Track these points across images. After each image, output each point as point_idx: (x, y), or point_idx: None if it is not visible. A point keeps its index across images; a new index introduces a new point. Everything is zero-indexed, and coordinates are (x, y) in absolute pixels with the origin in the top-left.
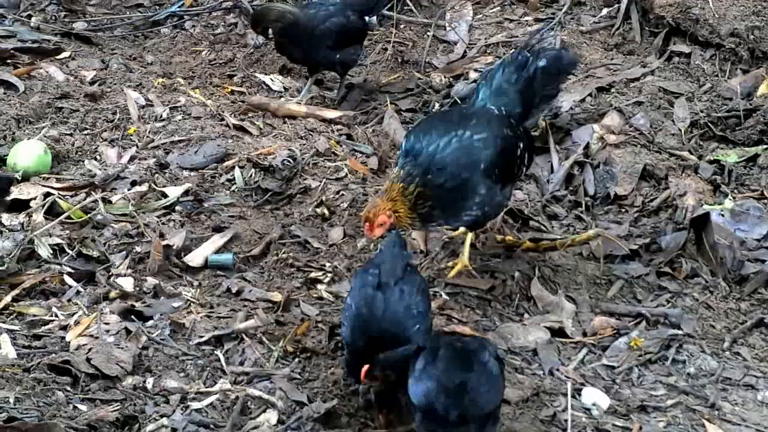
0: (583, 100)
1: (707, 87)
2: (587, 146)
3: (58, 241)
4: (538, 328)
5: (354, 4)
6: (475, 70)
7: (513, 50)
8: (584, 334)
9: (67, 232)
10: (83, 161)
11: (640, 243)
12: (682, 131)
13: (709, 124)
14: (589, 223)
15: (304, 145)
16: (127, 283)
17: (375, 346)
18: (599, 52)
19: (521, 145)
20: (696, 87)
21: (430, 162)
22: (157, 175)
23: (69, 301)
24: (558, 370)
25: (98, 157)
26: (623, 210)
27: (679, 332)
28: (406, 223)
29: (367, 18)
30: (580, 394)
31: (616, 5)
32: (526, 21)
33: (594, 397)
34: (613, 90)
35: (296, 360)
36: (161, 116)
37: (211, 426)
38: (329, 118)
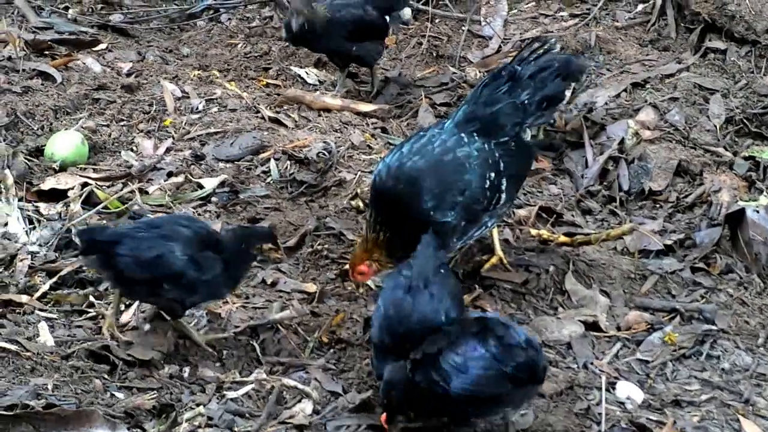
0: (618, 96)
1: (743, 83)
2: (622, 141)
3: None
4: (573, 322)
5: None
6: None
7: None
8: (618, 329)
9: (104, 221)
10: (120, 152)
11: (674, 238)
12: (718, 127)
13: (745, 120)
14: (624, 218)
15: (339, 137)
16: None
17: (401, 348)
18: (634, 47)
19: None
20: (731, 83)
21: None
22: (193, 166)
23: (106, 289)
24: (592, 363)
25: (135, 148)
26: (658, 205)
27: (714, 328)
28: (387, 267)
29: (388, 17)
30: (614, 388)
31: (652, 1)
32: (561, 16)
33: (628, 391)
34: (648, 86)
35: (331, 351)
36: (197, 108)
37: (247, 415)
38: (364, 111)
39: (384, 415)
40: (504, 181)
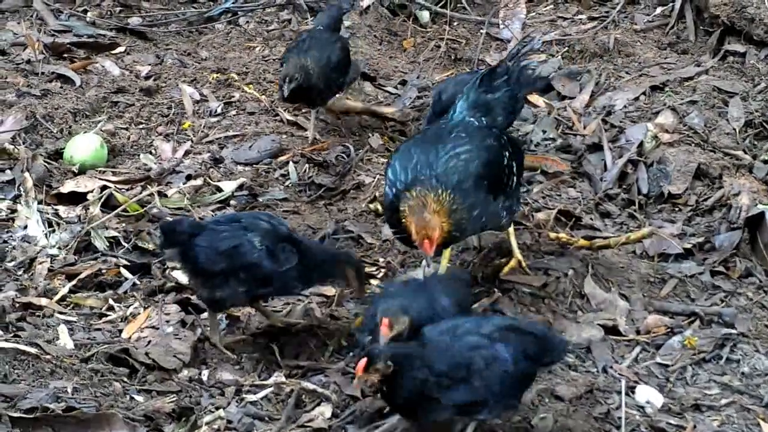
0: (636, 99)
1: (762, 86)
2: (641, 145)
3: (114, 233)
4: (592, 326)
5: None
6: None
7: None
8: (638, 332)
9: (123, 224)
10: (138, 155)
11: (693, 242)
12: (737, 130)
13: (764, 123)
14: (643, 222)
15: (358, 141)
16: (182, 276)
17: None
18: (653, 50)
19: (507, 154)
20: (750, 86)
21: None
22: (211, 169)
23: (125, 293)
24: (611, 367)
25: (153, 151)
26: (677, 209)
27: (733, 331)
28: (447, 235)
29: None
30: (633, 392)
31: (671, 4)
32: (580, 19)
33: (648, 395)
34: (666, 89)
35: (350, 354)
36: (216, 111)
37: (266, 418)
38: (384, 113)
39: (360, 365)
40: (514, 165)
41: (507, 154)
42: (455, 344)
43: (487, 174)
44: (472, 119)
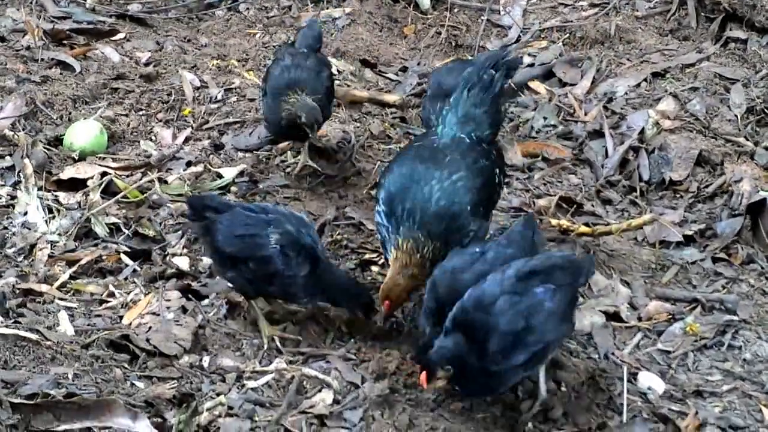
0: (638, 85)
1: (764, 73)
2: (642, 131)
3: (115, 220)
4: (593, 312)
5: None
6: (529, 55)
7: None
8: (639, 319)
9: (123, 211)
10: (138, 141)
11: (695, 229)
12: (738, 117)
13: (766, 110)
14: (644, 209)
15: (359, 127)
16: (183, 263)
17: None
18: (654, 37)
19: (497, 171)
20: (752, 73)
21: (425, 212)
22: (212, 156)
23: (126, 279)
24: (613, 354)
25: (153, 137)
26: (678, 195)
27: (735, 318)
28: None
29: None
30: (635, 379)
31: None
32: (581, 6)
33: (650, 381)
34: (668, 75)
35: (351, 341)
36: (216, 98)
37: (267, 405)
38: (387, 101)
39: (423, 376)
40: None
41: (497, 171)
42: (497, 316)
43: (483, 199)
44: (463, 135)
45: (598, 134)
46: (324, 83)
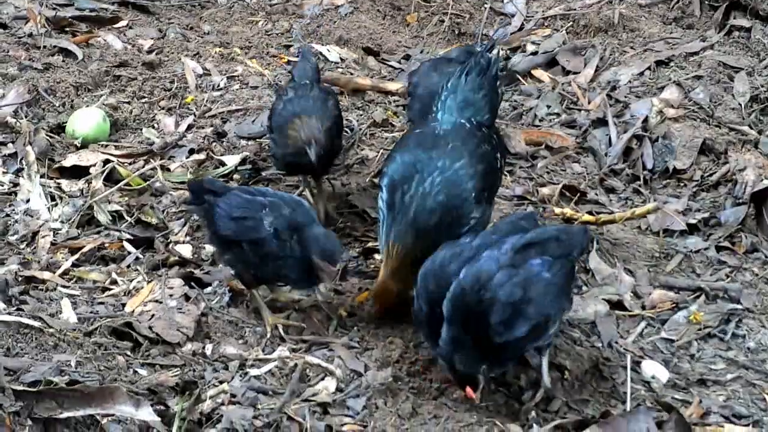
0: (641, 74)
1: None
2: (646, 120)
3: (117, 207)
4: (597, 301)
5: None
6: (533, 43)
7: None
8: (643, 308)
9: (126, 198)
10: (141, 129)
11: (699, 217)
12: (742, 106)
13: None
14: (648, 197)
15: (362, 115)
16: (186, 251)
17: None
18: (658, 25)
19: (498, 156)
20: (756, 61)
21: (419, 209)
22: (214, 143)
23: (128, 267)
24: (617, 342)
25: (156, 125)
26: (682, 184)
27: (739, 307)
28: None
29: None
30: (639, 367)
31: None
32: None
33: (653, 370)
34: (672, 64)
35: (355, 328)
36: (218, 85)
37: (270, 392)
38: (392, 89)
39: (469, 389)
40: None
41: (498, 156)
42: (495, 289)
43: (487, 184)
44: (463, 121)
45: (601, 123)
46: (331, 112)
